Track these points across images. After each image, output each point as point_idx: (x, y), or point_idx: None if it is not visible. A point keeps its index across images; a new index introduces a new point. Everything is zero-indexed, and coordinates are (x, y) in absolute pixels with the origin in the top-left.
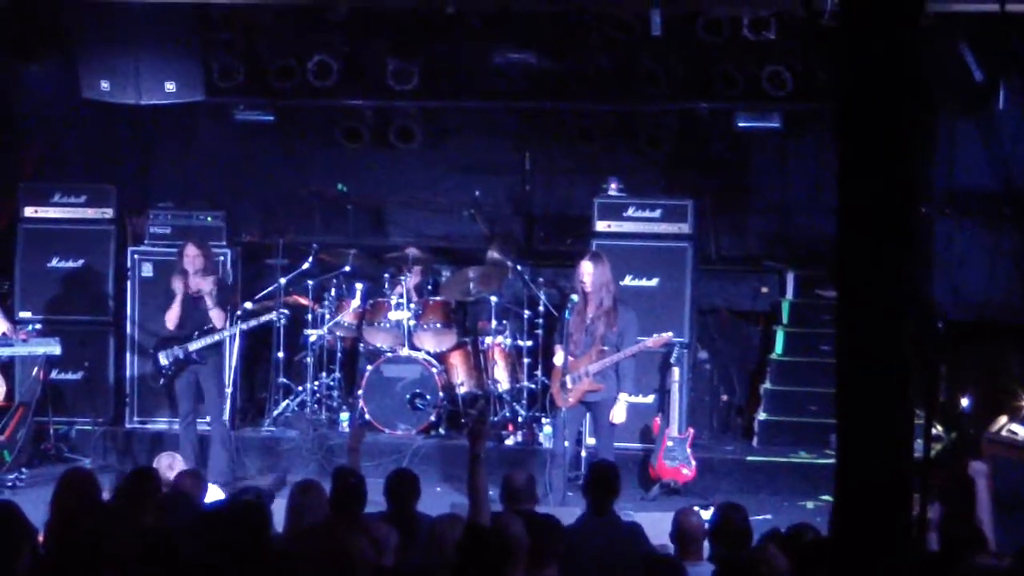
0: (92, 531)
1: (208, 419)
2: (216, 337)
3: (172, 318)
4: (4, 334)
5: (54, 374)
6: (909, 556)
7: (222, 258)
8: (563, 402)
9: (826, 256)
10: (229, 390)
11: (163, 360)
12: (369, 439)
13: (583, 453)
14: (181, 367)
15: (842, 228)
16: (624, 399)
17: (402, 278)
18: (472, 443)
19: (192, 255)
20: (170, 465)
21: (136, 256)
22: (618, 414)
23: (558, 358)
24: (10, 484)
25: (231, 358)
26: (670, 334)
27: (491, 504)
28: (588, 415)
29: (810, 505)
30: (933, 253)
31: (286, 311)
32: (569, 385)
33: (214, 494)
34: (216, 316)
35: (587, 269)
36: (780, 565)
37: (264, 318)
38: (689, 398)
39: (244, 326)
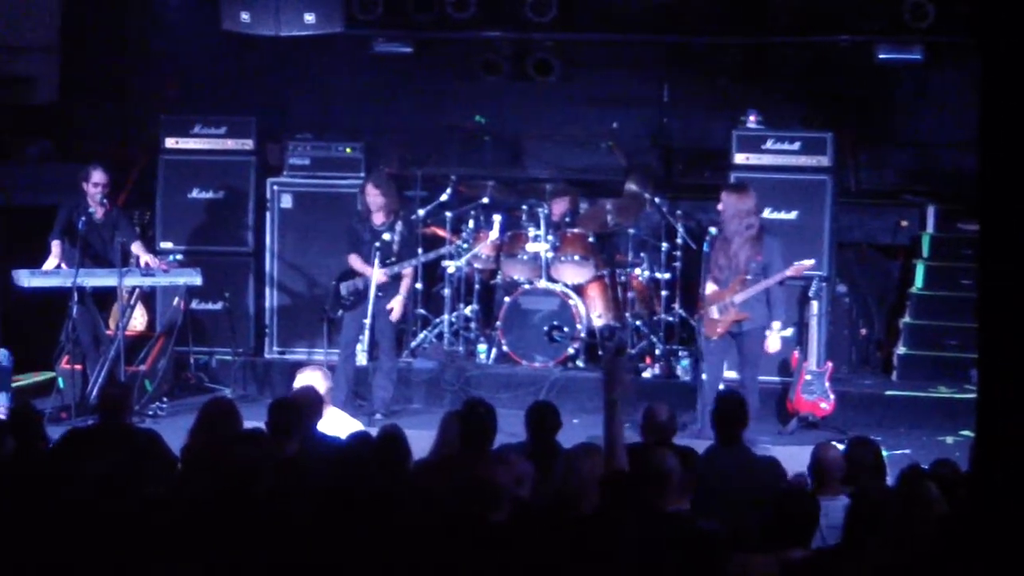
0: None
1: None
2: (395, 269)
3: (355, 260)
4: (147, 264)
5: (194, 304)
6: None
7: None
8: (712, 332)
9: (968, 189)
10: (402, 325)
11: (343, 291)
12: (507, 370)
13: (720, 386)
14: (360, 299)
15: (984, 161)
16: (777, 328)
17: (540, 210)
18: (607, 387)
19: (371, 194)
20: (324, 375)
21: (275, 187)
22: (773, 343)
23: (709, 289)
24: (151, 413)
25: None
26: (811, 261)
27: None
28: (735, 346)
29: (950, 440)
30: None
31: (463, 244)
32: (715, 316)
33: (336, 419)
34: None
35: (722, 197)
36: (938, 507)
37: (442, 251)
38: (828, 332)
39: (423, 258)
